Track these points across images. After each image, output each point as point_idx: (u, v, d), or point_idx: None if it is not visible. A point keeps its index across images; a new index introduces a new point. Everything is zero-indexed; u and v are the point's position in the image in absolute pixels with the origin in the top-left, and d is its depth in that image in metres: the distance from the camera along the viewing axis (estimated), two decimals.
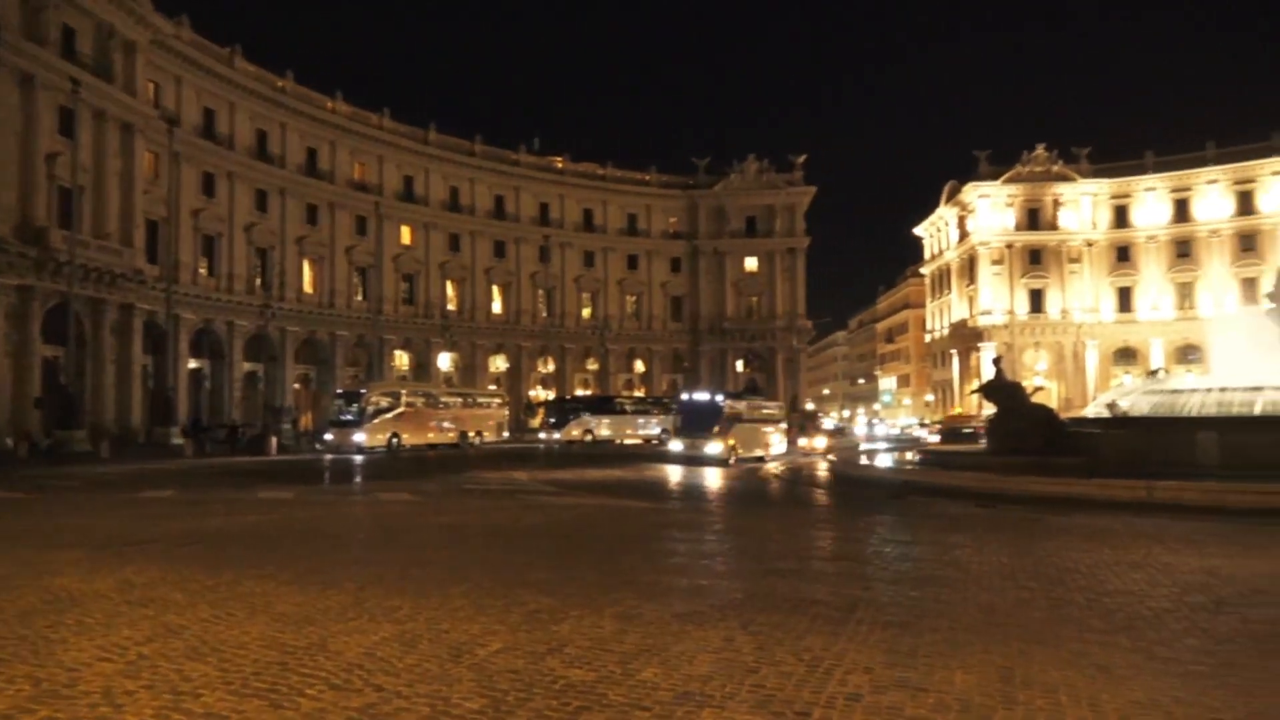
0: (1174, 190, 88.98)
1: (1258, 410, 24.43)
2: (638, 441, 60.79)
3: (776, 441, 43.88)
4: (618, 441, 60.36)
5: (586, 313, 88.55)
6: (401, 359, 76.87)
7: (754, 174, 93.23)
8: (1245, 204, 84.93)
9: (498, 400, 66.54)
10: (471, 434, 54.72)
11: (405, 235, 76.51)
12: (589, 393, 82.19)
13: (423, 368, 76.29)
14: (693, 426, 38.18)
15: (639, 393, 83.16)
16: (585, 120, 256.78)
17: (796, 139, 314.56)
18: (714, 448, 36.86)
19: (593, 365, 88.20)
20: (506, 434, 63.80)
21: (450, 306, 79.35)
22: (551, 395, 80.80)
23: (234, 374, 62.82)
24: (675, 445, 39.33)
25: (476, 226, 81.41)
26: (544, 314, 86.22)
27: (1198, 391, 27.96)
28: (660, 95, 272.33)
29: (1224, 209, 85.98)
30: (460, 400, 59.22)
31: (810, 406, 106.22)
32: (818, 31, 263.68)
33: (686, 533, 16.22)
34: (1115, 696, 6.45)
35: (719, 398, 40.66)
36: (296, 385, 69.12)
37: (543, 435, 63.01)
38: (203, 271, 60.99)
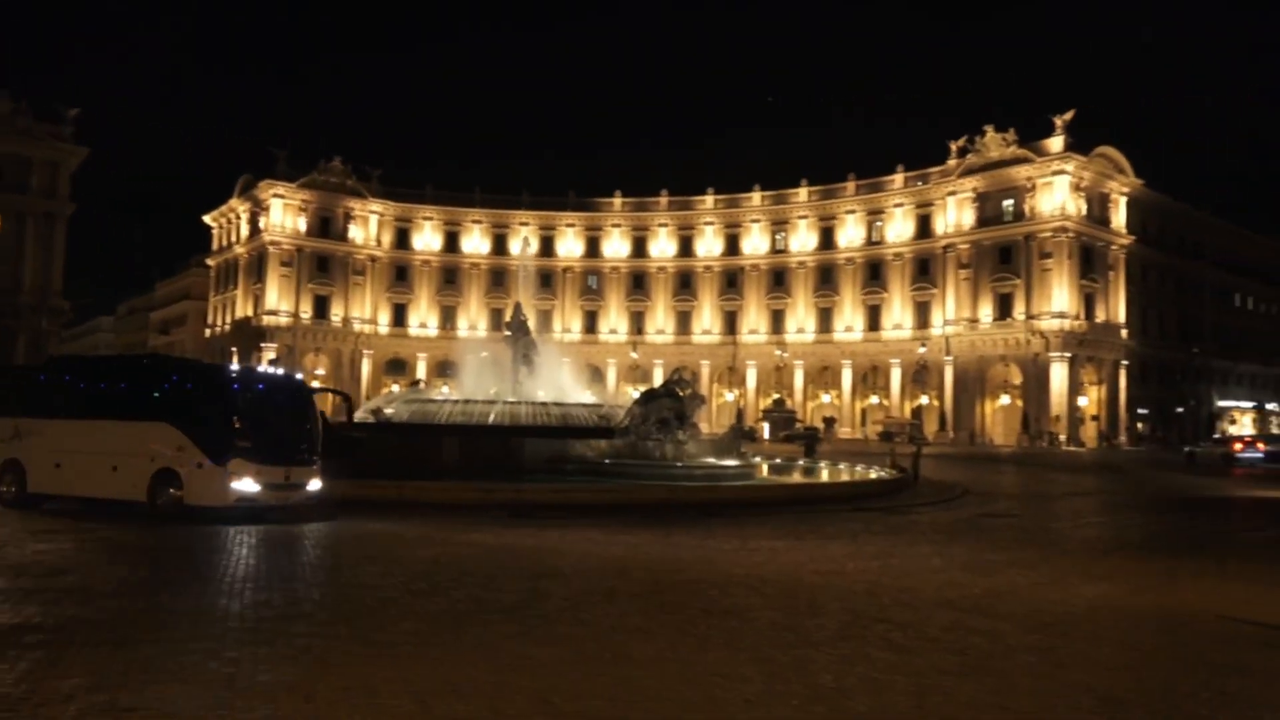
0: (447, 224, 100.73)
1: (491, 420, 28.85)
2: None
3: None
4: None
5: None
6: None
7: (6, 114, 77.19)
8: (500, 245, 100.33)
9: None
10: None
11: None
12: None
13: None
14: (274, 440, 17.60)
15: None
16: None
17: (77, 92, 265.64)
18: (316, 484, 18.49)
19: None
20: None
21: None
22: None
23: None
24: (246, 484, 16.37)
25: None
26: None
27: (448, 402, 31.89)
28: None
29: (484, 247, 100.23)
30: None
31: None
32: None
33: None
34: (329, 685, 6.87)
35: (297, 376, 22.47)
36: None
37: None
38: None
